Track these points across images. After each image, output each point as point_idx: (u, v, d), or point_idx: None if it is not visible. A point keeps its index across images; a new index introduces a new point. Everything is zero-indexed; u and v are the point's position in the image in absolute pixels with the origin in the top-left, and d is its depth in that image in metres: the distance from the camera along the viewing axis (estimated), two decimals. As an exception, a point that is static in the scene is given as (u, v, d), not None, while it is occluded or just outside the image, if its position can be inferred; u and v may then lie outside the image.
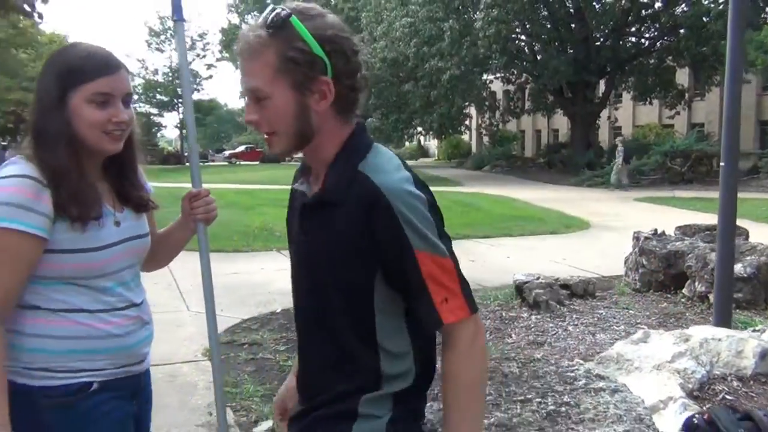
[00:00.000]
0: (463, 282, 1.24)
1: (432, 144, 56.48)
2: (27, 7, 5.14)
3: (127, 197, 1.63)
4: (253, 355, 4.90)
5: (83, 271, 1.50)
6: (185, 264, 9.38)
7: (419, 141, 53.46)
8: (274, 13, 1.18)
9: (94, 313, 1.51)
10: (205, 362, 4.80)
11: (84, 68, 1.46)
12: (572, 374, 2.27)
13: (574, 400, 2.06)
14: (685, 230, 7.03)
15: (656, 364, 2.77)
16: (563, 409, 2.00)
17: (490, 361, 2.43)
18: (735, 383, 2.91)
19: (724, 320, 3.81)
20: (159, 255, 1.80)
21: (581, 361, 2.80)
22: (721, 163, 3.98)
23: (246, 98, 1.25)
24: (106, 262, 1.52)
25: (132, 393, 1.62)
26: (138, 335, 1.60)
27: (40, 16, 5.45)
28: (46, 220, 1.43)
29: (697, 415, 1.75)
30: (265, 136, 1.27)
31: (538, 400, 2.06)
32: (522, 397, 2.08)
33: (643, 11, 27.88)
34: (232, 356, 4.88)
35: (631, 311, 5.59)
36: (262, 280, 7.46)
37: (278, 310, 6.04)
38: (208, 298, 1.80)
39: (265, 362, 4.75)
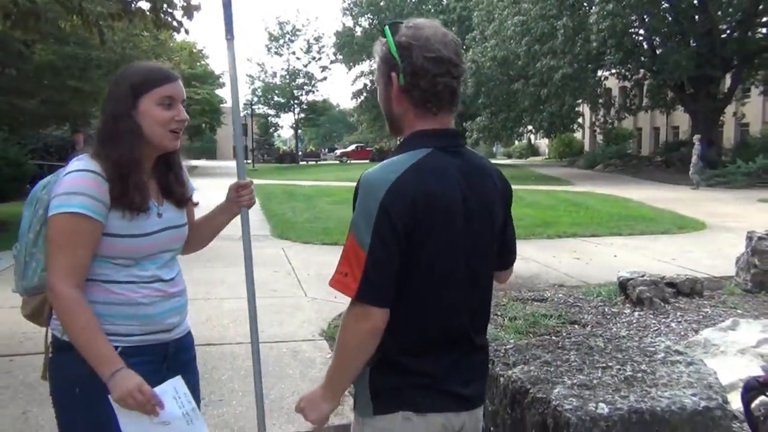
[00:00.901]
0: (369, 274, 1.41)
1: (542, 142, 55.41)
2: (176, 24, 5.81)
3: (170, 191, 1.88)
4: (364, 337, 5.32)
5: (127, 253, 1.75)
6: (299, 254, 10.01)
7: (529, 139, 52.63)
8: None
9: (124, 284, 1.75)
10: (321, 341, 5.27)
11: (153, 77, 1.77)
12: (652, 349, 2.49)
13: (650, 368, 2.29)
14: (805, 231, 6.78)
15: (741, 349, 2.90)
16: (639, 375, 2.25)
17: (578, 336, 2.69)
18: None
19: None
20: (201, 236, 2.07)
21: (663, 340, 2.99)
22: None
23: None
24: (147, 247, 1.78)
25: (162, 358, 1.84)
26: (162, 306, 1.82)
27: (186, 32, 6.11)
28: (104, 208, 1.69)
29: (755, 378, 1.93)
30: None
31: (618, 367, 2.31)
32: (603, 365, 2.34)
33: (776, 0, 26.11)
34: (346, 337, 5.35)
35: (738, 311, 5.53)
36: (373, 271, 7.90)
37: (387, 298, 6.44)
38: (249, 274, 2.10)
39: (375, 343, 5.17)
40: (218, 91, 46.48)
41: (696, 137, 21.90)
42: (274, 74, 53.65)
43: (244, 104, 54.80)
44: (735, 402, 2.28)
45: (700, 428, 1.99)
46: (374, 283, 1.42)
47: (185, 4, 6.01)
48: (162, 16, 6.02)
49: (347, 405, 4.08)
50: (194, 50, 34.14)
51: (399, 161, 1.49)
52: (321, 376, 4.43)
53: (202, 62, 35.99)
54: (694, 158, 21.10)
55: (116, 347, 1.70)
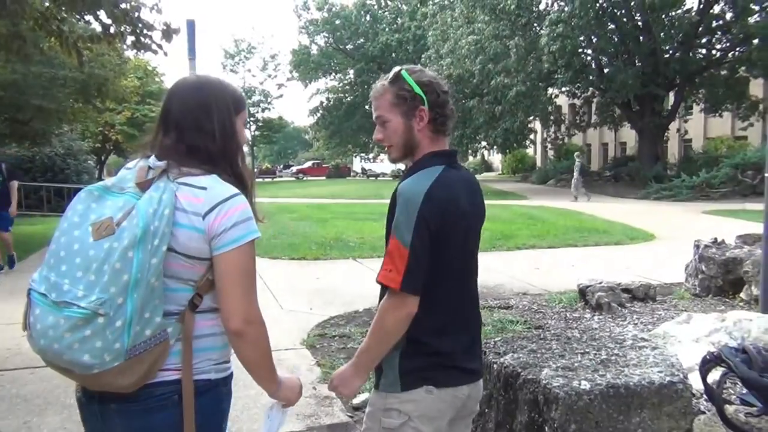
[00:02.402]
0: (410, 268, 1.71)
1: (496, 158, 56.58)
2: (155, 47, 5.95)
3: None
4: (343, 345, 5.56)
5: None
6: (269, 269, 10.16)
7: (483, 155, 53.76)
8: (393, 73, 1.89)
9: None
10: (303, 350, 5.50)
11: (242, 98, 1.76)
12: (622, 337, 2.86)
13: (622, 352, 2.67)
14: (746, 239, 7.33)
15: (695, 338, 3.31)
16: (613, 358, 2.63)
17: (557, 329, 3.02)
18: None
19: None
20: None
21: (630, 329, 3.36)
22: (766, 174, 4.39)
23: (377, 124, 1.93)
24: None
25: None
26: None
27: (165, 54, 6.24)
28: None
29: (709, 353, 2.31)
30: (386, 148, 1.95)
31: (594, 352, 2.68)
32: (582, 351, 2.71)
33: (714, 23, 27.59)
34: (325, 345, 5.59)
35: (689, 313, 5.99)
36: (343, 284, 8.15)
37: (361, 309, 6.67)
38: None
39: (354, 350, 5.39)
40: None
41: (576, 154, 24.29)
42: (230, 92, 53.43)
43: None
44: (693, 382, 2.64)
45: (666, 399, 2.37)
46: (414, 275, 1.72)
47: (165, 28, 6.21)
48: (142, 39, 6.21)
49: (336, 406, 4.34)
50: (149, 68, 33.90)
51: (426, 175, 1.80)
52: (307, 381, 4.70)
53: (157, 79, 35.79)
54: (575, 174, 23.33)
55: (231, 373, 1.71)
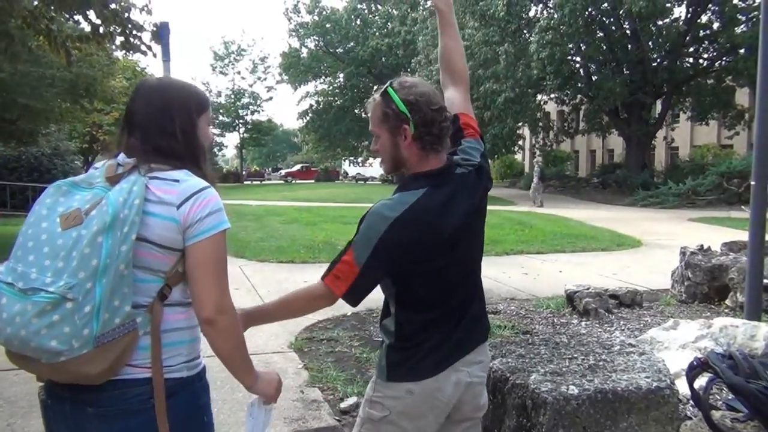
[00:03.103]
0: (356, 285, 1.81)
1: (485, 164, 56.74)
2: (144, 47, 5.94)
3: None
4: (331, 348, 5.55)
5: None
6: (257, 272, 10.11)
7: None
8: (383, 88, 1.91)
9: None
10: (291, 353, 5.48)
11: (206, 98, 1.79)
12: (609, 343, 2.89)
13: (609, 357, 2.71)
14: (731, 246, 7.41)
15: (682, 344, 3.34)
16: (601, 363, 2.65)
17: (545, 334, 3.03)
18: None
19: (753, 316, 4.26)
20: None
21: (618, 335, 3.38)
22: (752, 182, 4.43)
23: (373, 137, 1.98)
24: None
25: None
26: None
27: (155, 55, 6.18)
28: None
29: (696, 359, 2.33)
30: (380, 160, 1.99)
31: (582, 357, 2.71)
32: (570, 356, 2.73)
33: (701, 32, 27.88)
34: (313, 349, 5.57)
35: (675, 319, 6.03)
36: (332, 288, 8.12)
37: (348, 313, 6.66)
38: None
39: (342, 354, 5.40)
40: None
41: (536, 161, 24.95)
42: (219, 94, 53.42)
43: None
44: (679, 388, 2.67)
45: (653, 404, 2.39)
46: (357, 291, 1.83)
47: (154, 29, 6.19)
48: (132, 39, 6.18)
49: (324, 410, 4.33)
50: (137, 69, 33.74)
51: (401, 201, 1.83)
52: (294, 385, 4.69)
53: (146, 81, 35.61)
54: (535, 180, 23.82)
55: (204, 367, 1.72)
